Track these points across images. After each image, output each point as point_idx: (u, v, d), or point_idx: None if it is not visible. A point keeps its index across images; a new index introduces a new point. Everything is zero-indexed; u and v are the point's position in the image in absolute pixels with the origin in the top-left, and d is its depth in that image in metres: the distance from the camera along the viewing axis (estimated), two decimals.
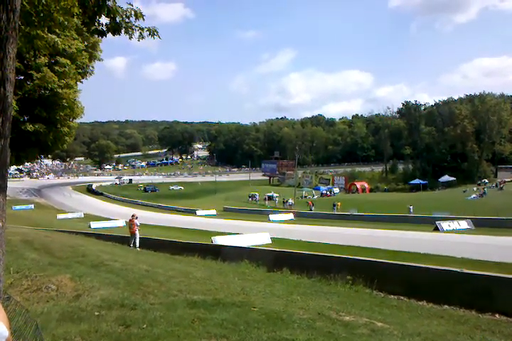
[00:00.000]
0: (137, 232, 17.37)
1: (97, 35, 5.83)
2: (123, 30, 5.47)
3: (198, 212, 51.00)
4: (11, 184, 64.33)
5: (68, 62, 12.94)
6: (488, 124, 74.89)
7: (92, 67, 14.72)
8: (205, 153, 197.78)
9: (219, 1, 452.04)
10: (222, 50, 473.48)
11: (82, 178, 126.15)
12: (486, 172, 73.98)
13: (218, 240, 18.75)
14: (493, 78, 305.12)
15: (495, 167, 76.48)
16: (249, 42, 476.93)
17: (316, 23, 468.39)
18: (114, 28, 5.43)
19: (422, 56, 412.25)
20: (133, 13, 5.37)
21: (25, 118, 13.20)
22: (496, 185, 59.36)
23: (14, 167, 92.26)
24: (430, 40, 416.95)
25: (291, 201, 57.59)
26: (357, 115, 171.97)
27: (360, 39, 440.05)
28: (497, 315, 7.80)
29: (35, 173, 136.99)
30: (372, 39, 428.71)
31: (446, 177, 70.13)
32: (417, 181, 72.13)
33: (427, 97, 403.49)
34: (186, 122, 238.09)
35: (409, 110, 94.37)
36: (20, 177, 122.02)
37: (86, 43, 13.67)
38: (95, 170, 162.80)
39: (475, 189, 58.00)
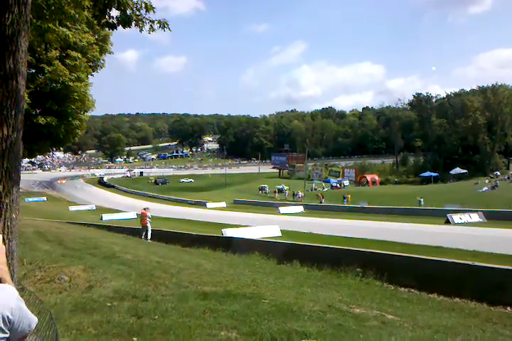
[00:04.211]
0: (149, 225, 17.48)
1: (107, 28, 5.86)
2: (133, 23, 5.49)
3: (209, 205, 51.23)
4: (24, 176, 64.60)
5: (79, 55, 13.00)
6: (500, 116, 73.90)
7: (103, 60, 14.76)
8: (215, 146, 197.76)
9: None
10: (233, 42, 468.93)
11: (93, 171, 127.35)
12: (498, 164, 73.18)
13: (229, 232, 18.83)
14: (507, 69, 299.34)
15: (507, 159, 75.62)
16: (260, 35, 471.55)
17: (327, 15, 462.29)
18: (125, 21, 5.45)
19: (434, 48, 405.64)
20: (143, 5, 5.38)
21: (37, 111, 13.34)
22: (508, 177, 58.71)
23: (27, 159, 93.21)
24: (443, 32, 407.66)
25: (301, 193, 57.46)
26: (367, 107, 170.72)
27: (371, 31, 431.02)
28: (509, 308, 7.75)
29: (47, 166, 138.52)
30: (385, 31, 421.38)
31: (457, 170, 69.42)
32: (428, 174, 71.47)
33: (438, 89, 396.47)
34: (196, 115, 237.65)
35: (420, 102, 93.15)
36: (33, 169, 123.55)
37: (97, 36, 13.71)
38: (106, 162, 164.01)
39: (487, 181, 57.46)
